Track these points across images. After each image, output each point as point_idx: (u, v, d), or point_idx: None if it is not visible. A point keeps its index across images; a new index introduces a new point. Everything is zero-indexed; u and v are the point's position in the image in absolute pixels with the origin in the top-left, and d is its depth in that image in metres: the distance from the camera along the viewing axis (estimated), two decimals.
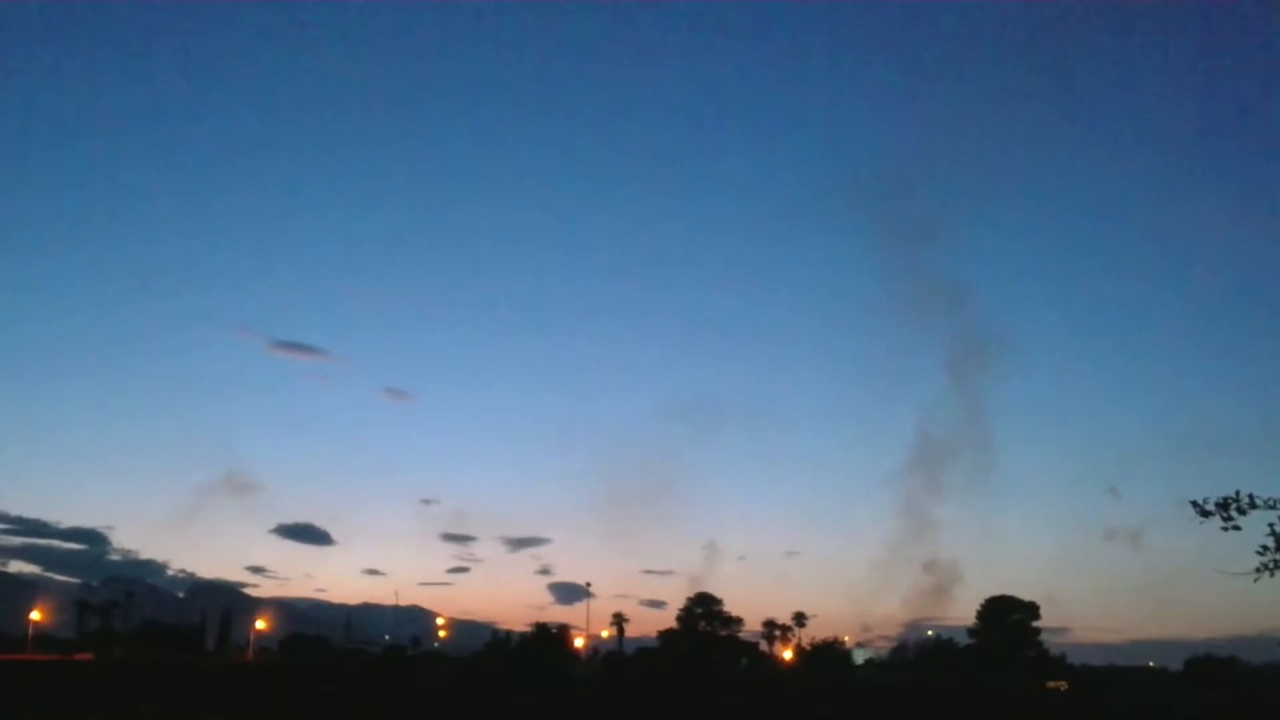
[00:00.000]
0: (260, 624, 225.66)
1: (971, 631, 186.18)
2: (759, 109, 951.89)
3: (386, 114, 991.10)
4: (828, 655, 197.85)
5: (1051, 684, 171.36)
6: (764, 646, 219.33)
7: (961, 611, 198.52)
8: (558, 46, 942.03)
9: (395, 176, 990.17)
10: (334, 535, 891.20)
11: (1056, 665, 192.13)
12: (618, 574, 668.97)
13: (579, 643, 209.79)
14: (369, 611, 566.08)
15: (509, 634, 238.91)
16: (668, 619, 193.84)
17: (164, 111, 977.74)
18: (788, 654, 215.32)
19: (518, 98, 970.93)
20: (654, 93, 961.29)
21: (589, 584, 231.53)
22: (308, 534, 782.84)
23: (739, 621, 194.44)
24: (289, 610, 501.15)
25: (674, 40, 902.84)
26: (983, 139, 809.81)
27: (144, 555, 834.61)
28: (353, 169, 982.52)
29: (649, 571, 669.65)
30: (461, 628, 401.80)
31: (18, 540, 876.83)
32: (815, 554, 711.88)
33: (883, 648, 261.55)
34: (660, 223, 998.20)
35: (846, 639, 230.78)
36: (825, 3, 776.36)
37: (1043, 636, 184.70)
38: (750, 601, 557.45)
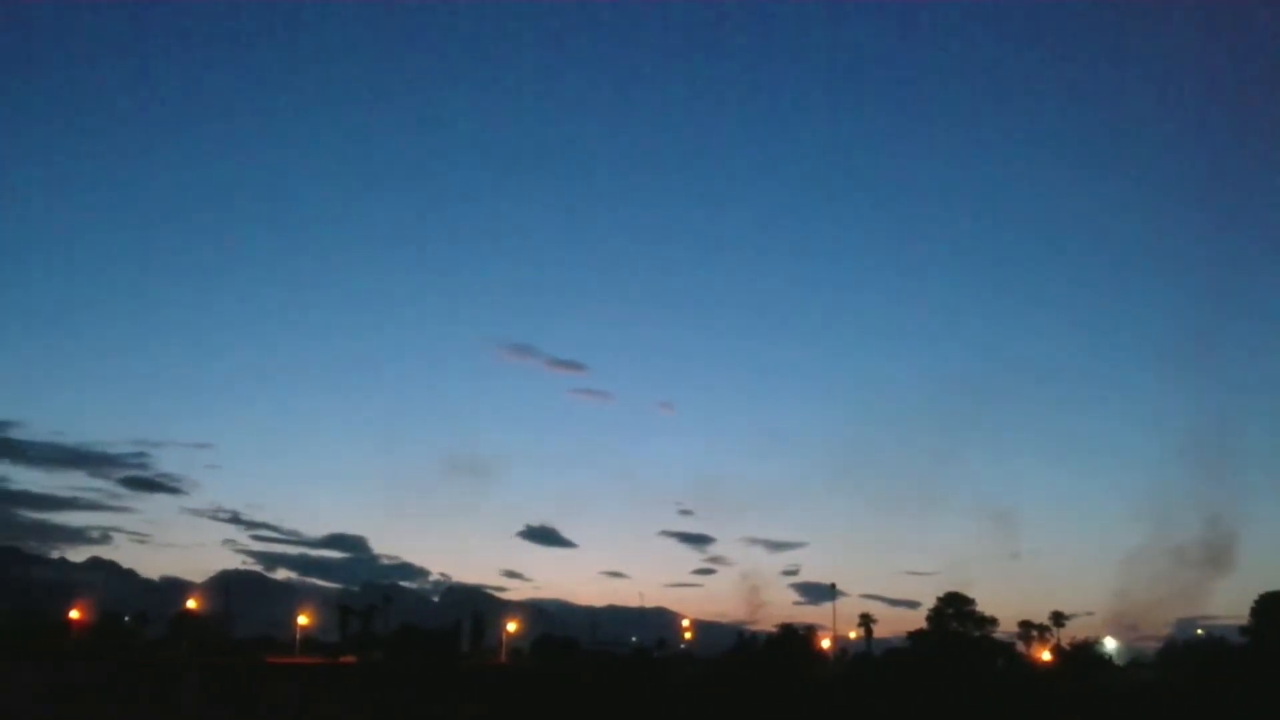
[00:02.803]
0: (511, 626, 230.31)
1: (1244, 630, 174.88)
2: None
3: (649, 137, 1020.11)
4: (1088, 656, 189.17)
5: None
6: (1021, 648, 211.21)
7: (1241, 608, 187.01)
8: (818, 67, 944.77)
9: (655, 201, 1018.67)
10: (577, 539, 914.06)
11: None
12: (872, 574, 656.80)
13: (825, 644, 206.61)
14: (614, 613, 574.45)
15: (755, 635, 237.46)
16: (920, 619, 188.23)
17: (432, 138, 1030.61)
18: (1046, 655, 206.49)
19: (770, 108, 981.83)
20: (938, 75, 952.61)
21: (834, 584, 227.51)
22: (551, 537, 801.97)
23: (993, 622, 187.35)
24: (536, 612, 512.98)
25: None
26: None
27: (402, 561, 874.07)
28: (617, 192, 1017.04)
29: (912, 573, 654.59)
30: (707, 629, 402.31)
31: (285, 549, 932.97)
32: (1082, 547, 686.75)
33: (1149, 648, 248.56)
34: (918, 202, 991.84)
35: (1109, 639, 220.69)
36: None
37: None
38: (1012, 600, 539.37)
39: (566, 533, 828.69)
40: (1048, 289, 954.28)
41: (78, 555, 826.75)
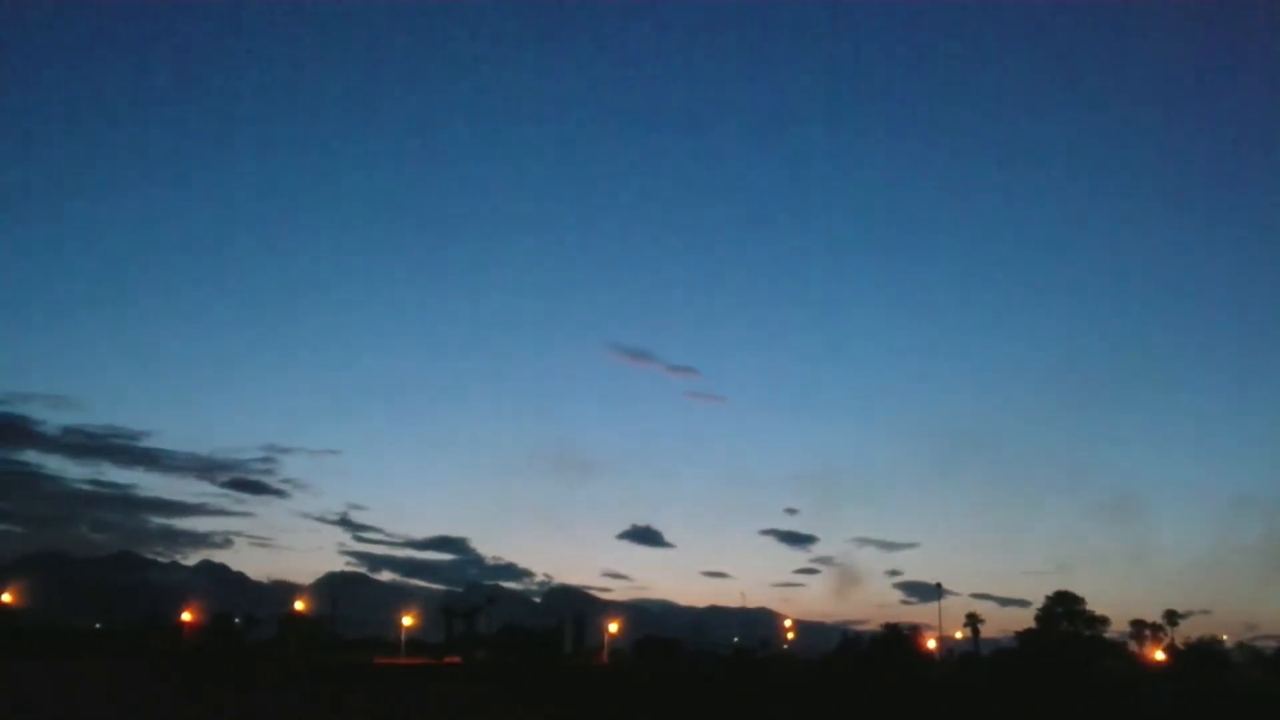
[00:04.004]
0: (612, 627, 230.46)
1: None
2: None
3: (758, 156, 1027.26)
4: (1204, 656, 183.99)
5: None
6: (1133, 647, 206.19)
7: None
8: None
9: (770, 214, 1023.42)
10: (680, 540, 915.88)
11: None
12: (983, 573, 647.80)
13: (931, 644, 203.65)
14: (716, 613, 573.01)
15: (859, 635, 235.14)
16: (1030, 619, 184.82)
17: (553, 150, 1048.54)
18: (1159, 655, 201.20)
19: (874, 118, 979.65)
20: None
21: (939, 584, 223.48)
22: (654, 538, 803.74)
23: (1104, 621, 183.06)
24: (637, 612, 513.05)
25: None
26: None
27: (506, 561, 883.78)
28: (735, 206, 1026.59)
29: (1026, 572, 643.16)
30: (811, 630, 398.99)
31: (391, 551, 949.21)
32: (1198, 544, 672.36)
33: (1269, 647, 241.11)
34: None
35: (1225, 638, 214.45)
36: None
37: None
38: (1125, 598, 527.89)
39: (669, 534, 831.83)
40: (1169, 279, 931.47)
41: (193, 559, 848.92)
